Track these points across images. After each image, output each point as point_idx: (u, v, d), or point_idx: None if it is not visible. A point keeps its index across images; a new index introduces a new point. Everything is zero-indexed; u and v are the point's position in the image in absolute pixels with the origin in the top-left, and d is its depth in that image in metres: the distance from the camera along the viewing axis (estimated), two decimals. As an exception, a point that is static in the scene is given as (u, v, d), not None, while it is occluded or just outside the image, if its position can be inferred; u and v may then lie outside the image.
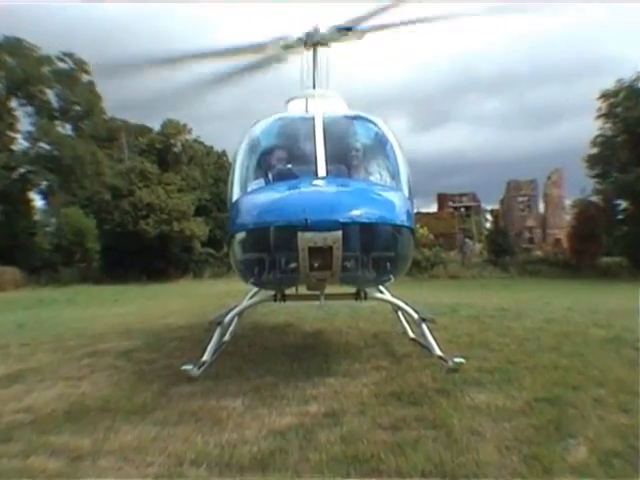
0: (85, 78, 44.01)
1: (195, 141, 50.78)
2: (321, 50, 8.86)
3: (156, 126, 49.74)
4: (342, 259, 5.40)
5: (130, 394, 5.69)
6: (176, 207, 41.95)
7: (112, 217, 41.27)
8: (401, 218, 6.04)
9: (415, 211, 7.42)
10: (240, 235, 6.27)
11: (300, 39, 8.77)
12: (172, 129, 47.51)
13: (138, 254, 40.37)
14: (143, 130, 52.02)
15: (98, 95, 44.65)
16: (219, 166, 52.87)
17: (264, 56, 8.95)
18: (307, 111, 7.59)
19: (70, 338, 9.82)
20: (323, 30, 8.68)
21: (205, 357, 6.68)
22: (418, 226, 36.98)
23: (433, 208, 62.81)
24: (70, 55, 43.91)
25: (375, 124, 7.32)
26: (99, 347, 8.76)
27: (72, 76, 44.22)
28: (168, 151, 47.63)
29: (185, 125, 48.53)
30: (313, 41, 8.76)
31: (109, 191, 42.61)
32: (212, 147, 54.08)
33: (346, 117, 7.67)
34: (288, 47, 8.82)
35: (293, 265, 5.62)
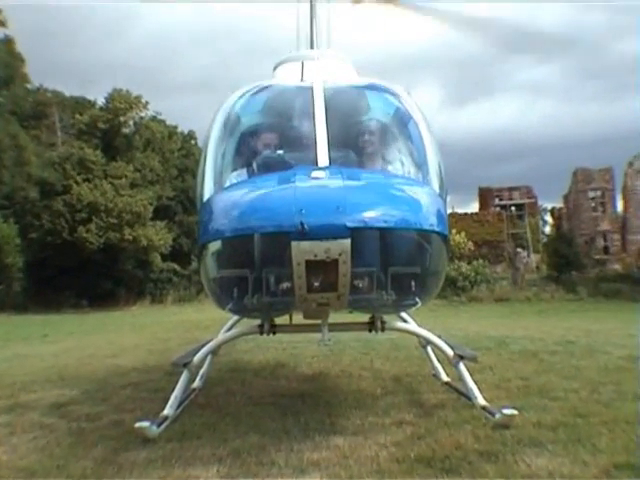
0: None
1: (153, 119, 50.93)
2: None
3: (99, 99, 49.88)
4: (351, 276, 5.40)
5: (64, 462, 5.66)
6: (128, 208, 42.08)
7: (41, 222, 41.40)
8: (430, 221, 6.04)
9: (449, 211, 7.45)
10: (214, 245, 6.28)
11: None
12: (121, 103, 47.42)
13: (76, 272, 40.43)
14: (82, 104, 52.18)
15: (20, 56, 44.28)
16: (185, 153, 53.11)
17: None
18: (303, 78, 7.62)
19: (-19, 387, 9.81)
20: None
21: (167, 410, 6.67)
22: (453, 231, 37.09)
23: (474, 207, 63.09)
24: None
25: (394, 96, 7.34)
26: (21, 399, 8.72)
27: (-21, 29, 42.82)
28: (116, 133, 47.77)
29: (139, 98, 48.49)
30: None
31: (36, 187, 42.71)
32: (176, 127, 54.35)
33: (355, 87, 7.70)
34: None
35: (285, 285, 5.63)
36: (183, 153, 53.09)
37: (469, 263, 40.70)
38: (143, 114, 49.65)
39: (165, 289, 45.06)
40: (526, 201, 62.80)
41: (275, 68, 8.40)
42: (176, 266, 46.22)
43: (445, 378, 8.68)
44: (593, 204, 53.42)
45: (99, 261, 41.45)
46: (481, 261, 42.07)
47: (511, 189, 63.42)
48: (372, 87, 7.60)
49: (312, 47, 8.72)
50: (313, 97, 6.57)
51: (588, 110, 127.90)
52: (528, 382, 8.67)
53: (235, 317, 8.46)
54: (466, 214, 56.24)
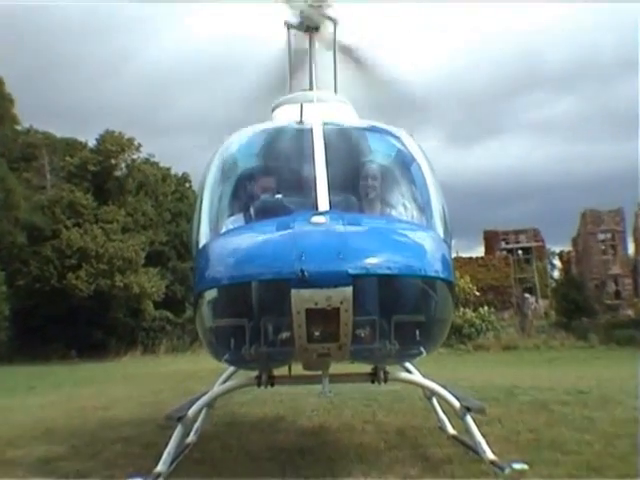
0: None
1: (146, 162, 51.08)
2: (320, 36, 9.07)
3: (91, 141, 50.11)
4: (353, 325, 5.39)
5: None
6: (119, 253, 42.02)
7: (28, 268, 41.31)
8: (434, 267, 6.05)
9: (453, 256, 7.46)
10: (210, 294, 6.28)
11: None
12: (113, 145, 47.54)
13: (65, 321, 40.25)
14: (73, 146, 52.34)
15: (8, 97, 44.57)
16: (179, 196, 53.21)
17: None
18: (302, 120, 7.66)
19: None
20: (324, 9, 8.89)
21: (160, 467, 6.59)
22: (458, 275, 37.10)
23: (479, 251, 63.09)
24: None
25: (396, 137, 7.41)
26: (7, 455, 8.68)
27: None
28: (108, 176, 47.89)
29: (131, 139, 48.72)
30: (309, 23, 8.96)
31: (24, 231, 42.72)
32: (170, 169, 54.45)
33: (356, 128, 7.79)
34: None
35: (285, 335, 5.63)
36: (177, 196, 53.13)
37: (475, 310, 40.63)
38: (135, 156, 49.69)
39: (158, 338, 44.74)
40: (533, 244, 62.88)
41: (273, 110, 8.50)
42: (169, 314, 46.00)
43: (451, 431, 8.63)
44: (603, 247, 53.36)
45: (89, 309, 41.22)
46: (487, 307, 42.00)
47: (517, 232, 63.51)
48: (373, 129, 7.66)
49: (311, 88, 8.81)
50: (312, 139, 6.61)
51: (597, 149, 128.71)
52: (538, 435, 8.63)
53: (231, 368, 8.43)
54: (471, 258, 56.28)
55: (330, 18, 8.90)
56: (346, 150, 7.26)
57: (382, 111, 8.72)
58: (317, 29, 8.96)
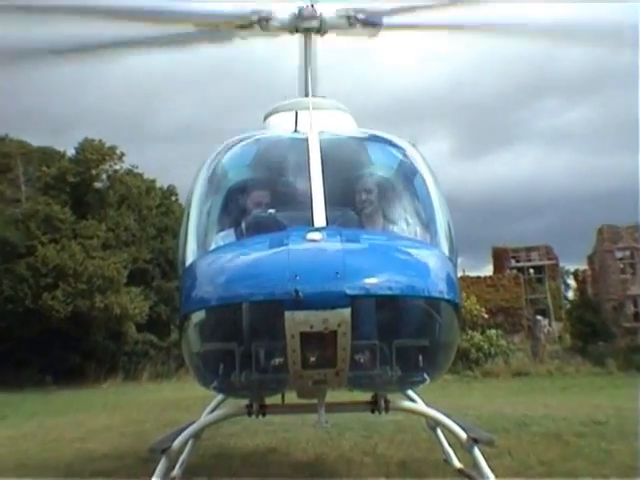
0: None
1: (129, 172, 50.96)
2: (317, 39, 9.09)
3: (69, 150, 50.01)
4: (351, 350, 5.37)
5: None
6: (99, 272, 41.86)
7: (0, 288, 41.18)
8: (439, 287, 6.02)
9: (460, 275, 7.46)
10: (197, 316, 6.24)
11: (282, 20, 8.95)
12: (93, 154, 47.29)
13: (40, 344, 40.09)
14: (50, 155, 52.23)
15: (-21, 104, 44.79)
16: (165, 210, 53.11)
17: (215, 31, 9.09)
18: (297, 129, 7.70)
19: None
20: (320, 10, 8.90)
21: (143, 503, 6.62)
22: (464, 296, 37.08)
23: (487, 270, 63.06)
24: None
25: (398, 148, 7.45)
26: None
27: None
28: (87, 187, 47.74)
29: (113, 148, 48.53)
30: (303, 25, 8.98)
31: (-4, 248, 42.64)
32: (154, 181, 54.38)
33: (355, 138, 7.81)
34: (253, 25, 8.93)
35: (278, 360, 5.62)
36: (162, 210, 52.94)
37: (483, 333, 40.54)
38: (118, 167, 49.30)
39: (140, 363, 44.47)
40: (546, 262, 62.92)
41: (266, 118, 8.51)
42: (153, 337, 45.82)
43: (457, 464, 8.61)
44: (621, 265, 53.33)
45: (66, 332, 40.99)
46: (496, 331, 41.90)
47: (529, 249, 63.53)
48: (373, 139, 7.68)
49: (306, 94, 8.83)
50: (308, 150, 6.59)
51: (614, 160, 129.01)
52: (552, 468, 8.63)
53: (220, 396, 8.42)
54: (479, 278, 56.14)
55: (320, 18, 8.91)
56: (344, 161, 7.27)
57: None
58: (314, 30, 8.97)
